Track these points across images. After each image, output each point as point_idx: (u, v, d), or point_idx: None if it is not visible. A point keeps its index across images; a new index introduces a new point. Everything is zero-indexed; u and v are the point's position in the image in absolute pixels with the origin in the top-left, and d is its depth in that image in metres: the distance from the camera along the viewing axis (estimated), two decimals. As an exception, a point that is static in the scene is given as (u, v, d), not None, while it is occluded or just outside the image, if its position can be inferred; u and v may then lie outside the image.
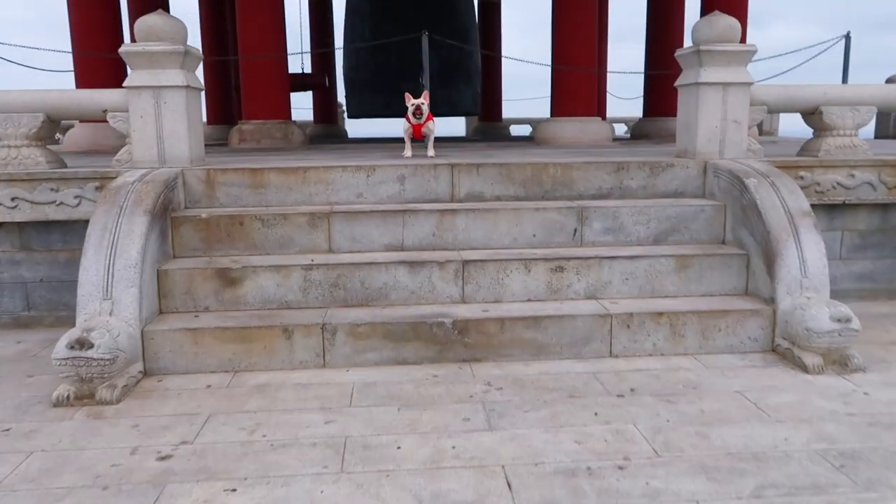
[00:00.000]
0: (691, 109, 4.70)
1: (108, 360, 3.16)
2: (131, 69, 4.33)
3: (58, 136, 11.58)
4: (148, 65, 4.28)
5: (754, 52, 4.57)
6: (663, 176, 4.58)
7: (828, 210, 4.67)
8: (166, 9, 9.55)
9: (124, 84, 4.30)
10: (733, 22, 4.56)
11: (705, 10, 8.46)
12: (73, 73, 7.69)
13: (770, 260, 3.82)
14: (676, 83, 4.91)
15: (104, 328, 3.25)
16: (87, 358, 3.12)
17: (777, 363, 3.63)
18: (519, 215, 4.21)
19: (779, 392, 3.23)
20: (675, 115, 10.37)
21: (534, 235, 4.22)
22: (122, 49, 4.28)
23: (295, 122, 8.35)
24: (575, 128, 8.00)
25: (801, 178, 4.59)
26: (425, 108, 5.21)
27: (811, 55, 8.69)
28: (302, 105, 16.17)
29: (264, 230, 4.09)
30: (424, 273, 3.89)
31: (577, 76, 7.93)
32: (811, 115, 4.84)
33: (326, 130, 15.29)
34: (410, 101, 5.20)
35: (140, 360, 3.45)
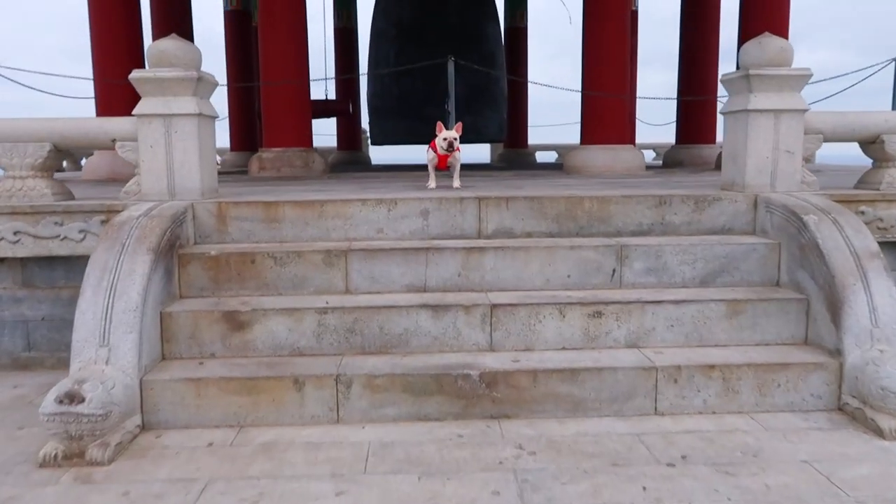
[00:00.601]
0: (739, 138, 4.34)
1: (100, 415, 2.86)
2: (142, 96, 4.10)
3: (64, 163, 11.54)
4: (159, 92, 4.05)
5: (809, 76, 4.21)
6: (709, 211, 4.21)
7: (892, 249, 4.26)
8: (189, 35, 9.46)
9: (133, 112, 4.07)
10: (785, 44, 4.21)
11: (743, 34, 8.12)
12: (94, 100, 7.57)
13: (835, 307, 3.43)
14: (722, 110, 4.56)
15: (98, 379, 2.96)
16: (77, 414, 2.83)
17: (846, 425, 3.21)
18: (552, 254, 3.87)
19: (853, 463, 2.83)
20: (708, 141, 10.04)
21: (568, 276, 3.87)
22: (132, 75, 4.06)
23: (316, 149, 8.12)
24: (606, 156, 7.65)
25: (862, 213, 4.19)
26: (457, 143, 4.93)
27: (853, 81, 8.28)
28: (326, 131, 16.03)
29: (277, 269, 3.80)
30: (449, 318, 3.55)
31: (608, 102, 7.61)
32: (871, 144, 4.45)
33: (350, 157, 15.13)
34: (442, 133, 4.92)
35: (138, 412, 3.15)
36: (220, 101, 12.97)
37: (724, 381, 3.33)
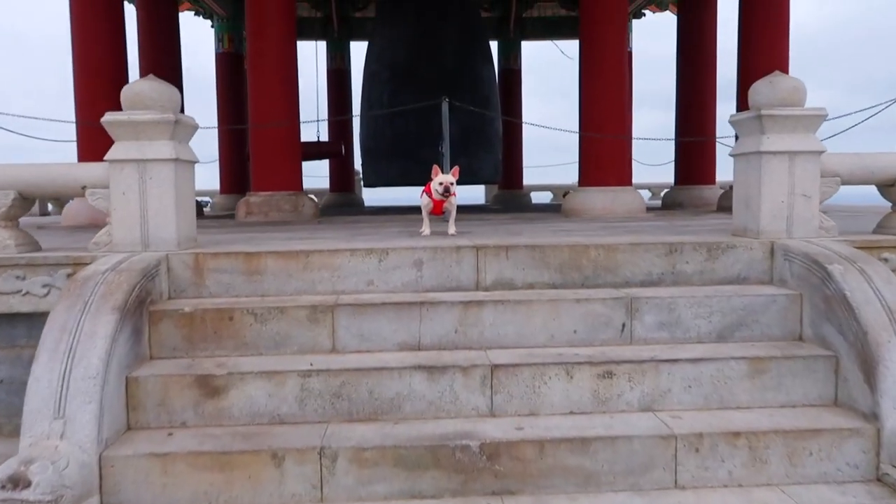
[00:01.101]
0: (752, 182, 4.09)
1: (48, 501, 2.51)
2: (115, 140, 3.84)
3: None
4: (133, 135, 3.79)
5: (824, 116, 3.98)
6: (723, 259, 3.93)
7: (919, 298, 3.97)
8: (178, 77, 9.29)
9: (105, 157, 3.80)
10: (798, 83, 3.99)
11: (742, 73, 7.98)
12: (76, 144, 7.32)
13: (868, 366, 3.12)
14: (732, 152, 4.32)
15: (49, 458, 2.62)
16: (22, 501, 2.47)
17: (887, 498, 2.88)
18: (556, 307, 3.57)
19: (905, 549, 2.48)
20: (708, 182, 9.85)
21: (574, 331, 3.56)
22: (104, 119, 3.80)
23: (307, 192, 7.87)
24: (606, 198, 7.42)
25: (885, 260, 3.92)
26: (453, 188, 4.67)
27: (856, 120, 8.12)
28: (318, 173, 15.85)
29: (257, 326, 3.48)
30: (445, 380, 3.23)
31: (607, 143, 7.41)
32: (890, 186, 4.20)
33: (343, 199, 14.92)
34: (438, 178, 4.66)
35: (96, 493, 2.80)
36: (210, 143, 12.80)
37: (751, 450, 3.00)
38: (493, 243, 3.97)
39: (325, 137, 13.39)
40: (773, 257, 3.93)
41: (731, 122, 4.32)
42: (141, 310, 3.35)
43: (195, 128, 4.11)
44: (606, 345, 3.56)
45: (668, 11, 16.12)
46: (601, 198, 7.45)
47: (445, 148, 6.58)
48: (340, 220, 7.46)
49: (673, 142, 9.91)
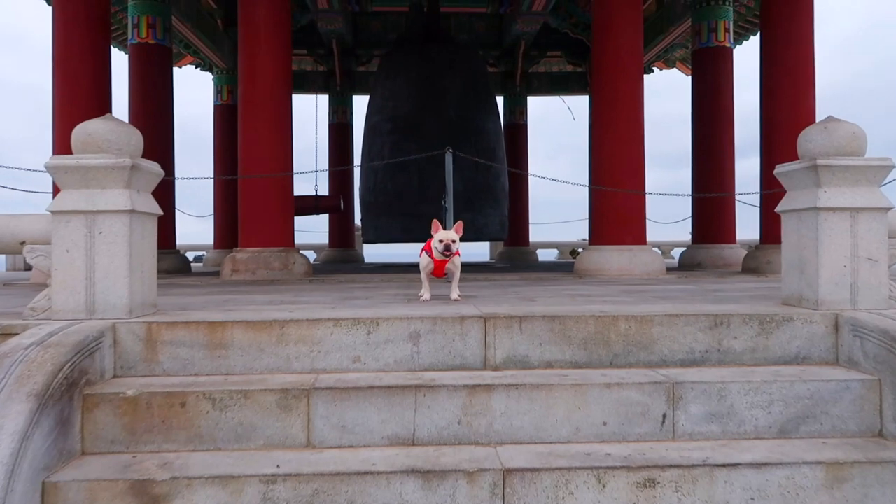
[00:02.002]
0: (807, 243, 3.49)
1: None
2: (62, 188, 3.28)
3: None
4: (82, 183, 3.23)
5: (891, 167, 3.42)
6: (778, 334, 3.30)
7: None
8: (170, 128, 8.87)
9: (48, 208, 3.23)
10: (856, 129, 3.45)
11: (766, 128, 7.50)
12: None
13: (984, 478, 2.45)
14: (781, 208, 3.74)
15: None
16: None
17: None
18: (582, 393, 2.93)
19: None
20: (728, 241, 9.27)
21: (604, 424, 2.91)
22: (48, 163, 3.25)
23: (299, 249, 7.29)
24: (623, 258, 6.83)
25: (971, 337, 3.27)
26: (455, 247, 4.08)
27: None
28: (318, 228, 15.37)
29: (216, 414, 2.84)
30: (445, 489, 2.56)
31: (624, 199, 6.87)
32: (968, 250, 3.59)
33: (342, 255, 14.38)
34: (438, 234, 4.07)
35: None
36: (207, 196, 12.38)
37: (841, 591, 2.31)
38: (503, 312, 3.35)
39: (324, 192, 12.94)
40: (837, 333, 3.29)
41: (779, 174, 3.75)
42: (71, 394, 2.72)
43: (158, 175, 3.56)
44: (644, 440, 2.90)
45: (675, 69, 15.94)
46: (617, 257, 6.85)
47: (449, 202, 6.04)
48: (334, 279, 6.87)
49: (689, 199, 9.39)
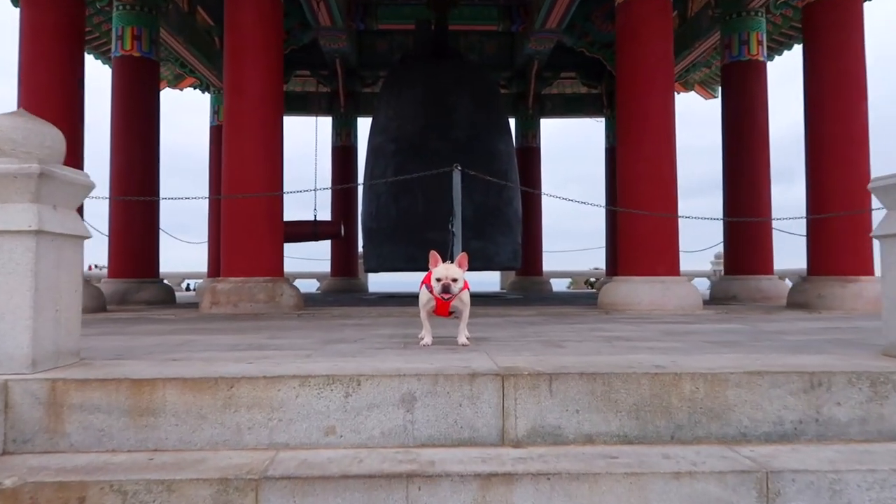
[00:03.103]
0: (924, 276, 2.67)
1: None
2: (-48, 203, 2.51)
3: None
4: (-26, 195, 2.46)
5: None
6: (894, 399, 2.46)
7: None
8: (156, 150, 8.18)
9: (-72, 228, 2.46)
10: None
11: (812, 145, 6.71)
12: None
13: None
14: (879, 232, 2.92)
15: None
16: None
17: None
18: (640, 487, 2.09)
19: None
20: (765, 272, 8.42)
21: (673, 531, 2.07)
22: (-71, 169, 2.48)
23: (288, 279, 6.51)
24: (654, 291, 6.00)
25: None
26: (457, 286, 3.22)
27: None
28: (321, 256, 14.61)
29: (126, 515, 2.02)
30: None
31: (655, 225, 6.07)
32: None
33: (344, 284, 13.62)
34: (437, 271, 3.25)
35: None
36: (202, 222, 11.72)
37: None
38: (526, 366, 2.54)
39: (327, 218, 12.21)
40: (977, 397, 2.45)
41: (875, 189, 2.95)
42: (-83, 488, 1.91)
43: (86, 188, 2.79)
44: (729, 556, 2.05)
45: (693, 93, 15.24)
46: (648, 290, 6.03)
47: (457, 226, 5.27)
48: (327, 313, 6.07)
49: (715, 225, 8.57)
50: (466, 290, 3.35)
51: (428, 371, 2.47)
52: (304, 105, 13.89)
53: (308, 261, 15.57)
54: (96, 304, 6.24)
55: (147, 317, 5.83)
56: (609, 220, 13.94)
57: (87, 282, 6.45)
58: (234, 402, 2.38)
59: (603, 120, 14.48)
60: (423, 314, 3.42)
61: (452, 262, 3.35)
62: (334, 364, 2.68)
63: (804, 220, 6.59)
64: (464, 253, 3.30)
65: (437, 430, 2.39)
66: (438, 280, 3.19)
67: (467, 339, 3.38)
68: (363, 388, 2.40)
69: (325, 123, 14.21)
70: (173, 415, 2.36)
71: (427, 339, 3.39)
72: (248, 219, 6.10)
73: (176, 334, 4.17)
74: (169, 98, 14.38)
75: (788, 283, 8.59)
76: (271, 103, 6.30)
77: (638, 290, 6.09)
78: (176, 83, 14.29)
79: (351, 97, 13.88)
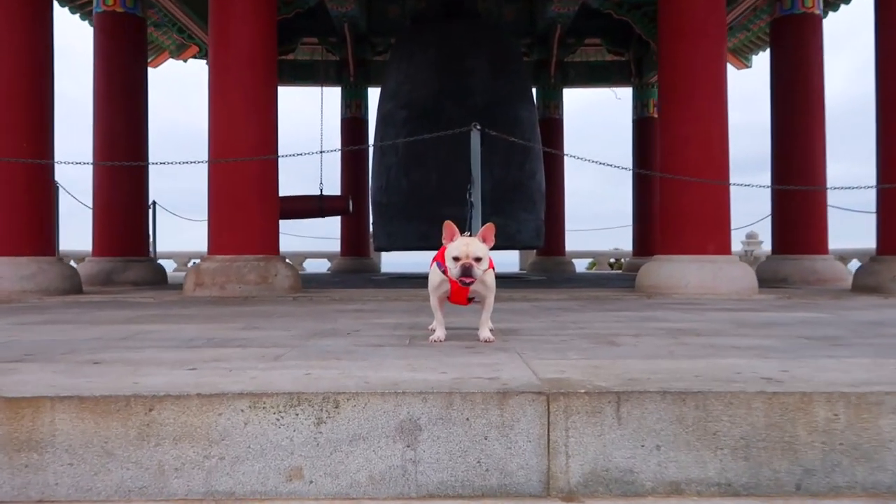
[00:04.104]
0: None
1: None
2: None
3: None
4: None
5: None
6: None
7: None
8: (141, 107, 7.45)
9: None
10: None
11: (886, 113, 5.81)
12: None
13: None
14: None
15: None
16: None
17: None
18: (773, 580, 1.31)
19: None
20: (819, 252, 7.54)
21: None
22: None
23: (284, 258, 5.76)
24: (704, 273, 5.19)
25: None
26: (479, 270, 2.43)
27: None
28: (331, 234, 13.87)
29: None
30: None
31: (705, 195, 5.26)
32: None
33: (355, 265, 12.89)
34: (453, 247, 2.46)
35: None
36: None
37: None
38: (580, 378, 1.77)
39: (333, 193, 11.42)
40: None
41: None
42: None
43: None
44: None
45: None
46: (697, 271, 5.22)
47: (476, 195, 4.49)
48: (326, 296, 5.32)
49: (753, 202, 7.70)
50: (491, 270, 2.57)
51: (438, 386, 1.71)
52: (311, 74, 13.07)
53: (321, 240, 14.86)
54: (69, 284, 5.55)
55: (122, 300, 5.12)
56: (637, 197, 13.06)
57: (60, 260, 5.76)
58: (154, 432, 1.63)
59: (630, 90, 13.53)
60: (433, 301, 2.64)
61: (472, 236, 2.56)
62: (307, 372, 1.91)
63: (864, 197, 5.73)
64: (490, 224, 2.50)
65: (451, 474, 1.63)
66: (456, 260, 2.39)
67: (491, 332, 2.61)
68: (343, 412, 1.64)
69: (334, 94, 13.39)
70: (66, 450, 1.62)
71: (439, 333, 2.62)
72: (236, 188, 5.35)
73: (134, 323, 3.43)
74: (176, 71, 13.61)
75: (848, 265, 7.72)
76: (262, 57, 5.51)
77: (684, 271, 5.27)
78: (179, 53, 13.52)
79: (361, 66, 13.04)
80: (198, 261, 5.79)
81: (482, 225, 2.60)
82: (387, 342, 2.61)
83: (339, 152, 12.79)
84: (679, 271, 5.30)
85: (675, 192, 5.42)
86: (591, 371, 1.92)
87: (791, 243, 7.48)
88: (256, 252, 5.37)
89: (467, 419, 1.64)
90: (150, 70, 14.28)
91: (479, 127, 4.71)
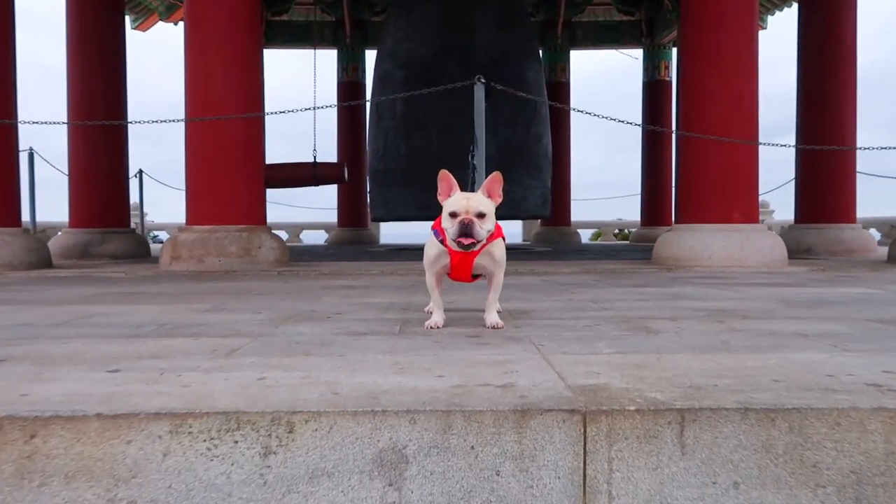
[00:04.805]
0: None
1: None
2: None
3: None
4: None
5: None
6: None
7: None
8: (119, 67, 6.92)
9: None
10: None
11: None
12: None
13: None
14: None
15: None
16: None
17: None
18: None
19: None
20: (847, 220, 7.04)
21: None
22: None
23: (270, 229, 5.29)
24: (731, 242, 4.73)
25: None
26: (484, 229, 1.96)
27: None
28: (327, 203, 13.40)
29: None
30: None
31: (731, 156, 4.77)
32: None
33: (352, 236, 12.43)
34: (452, 201, 1.99)
35: None
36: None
37: None
38: (628, 389, 1.31)
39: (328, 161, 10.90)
40: None
41: None
42: None
43: None
44: None
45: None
46: (723, 241, 4.75)
47: (479, 157, 4.00)
48: (315, 269, 4.86)
49: (770, 169, 7.19)
50: (500, 239, 2.10)
51: (433, 399, 1.25)
52: (306, 36, 12.46)
53: (319, 210, 14.38)
54: (36, 258, 5.10)
55: (90, 275, 4.67)
56: (646, 164, 12.53)
57: (26, 231, 5.30)
58: (38, 467, 1.18)
59: (641, 51, 12.89)
60: (429, 278, 2.18)
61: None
62: (261, 376, 1.46)
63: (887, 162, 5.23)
64: (497, 174, 2.02)
65: (451, 524, 1.17)
66: (454, 216, 1.93)
67: (498, 321, 2.14)
68: (300, 439, 1.19)
69: (330, 57, 12.79)
70: (-84, 491, 1.16)
71: (436, 318, 2.16)
72: (216, 151, 4.86)
73: (88, 303, 2.98)
74: (167, 36, 13.02)
75: (875, 234, 7.25)
76: (244, 5, 4.96)
77: (709, 241, 4.80)
78: (168, 15, 12.93)
79: (358, 27, 12.43)
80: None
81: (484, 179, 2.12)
82: (373, 329, 2.15)
83: (336, 118, 12.25)
84: (702, 242, 4.82)
85: (699, 154, 4.92)
86: (634, 373, 1.47)
87: (816, 211, 6.99)
88: (239, 222, 4.90)
89: (472, 448, 1.19)
90: (140, 35, 13.66)
91: (482, 80, 4.20)
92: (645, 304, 2.82)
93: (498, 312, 2.23)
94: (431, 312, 2.24)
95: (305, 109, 5.03)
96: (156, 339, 1.97)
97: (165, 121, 4.72)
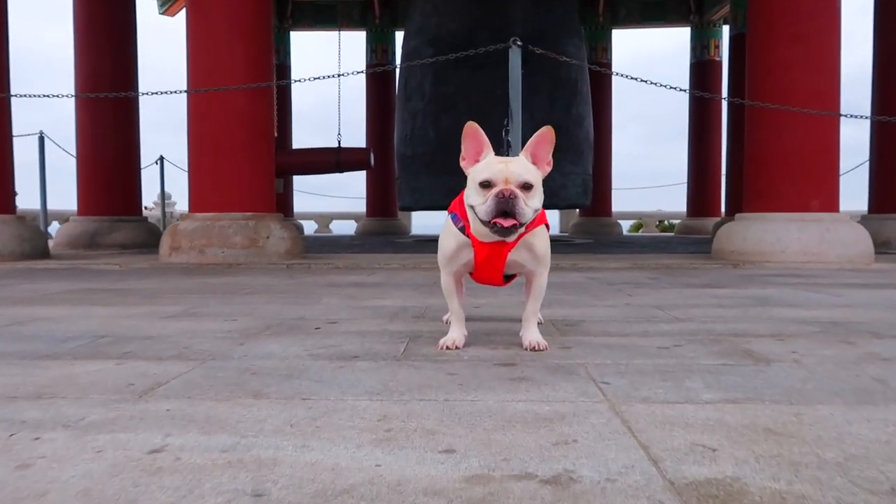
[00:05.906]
0: None
1: None
2: None
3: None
4: None
5: None
6: None
7: None
8: (129, 40, 6.47)
9: None
10: None
11: None
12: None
13: None
14: None
15: None
16: None
17: None
18: None
19: None
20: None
21: None
22: None
23: (281, 217, 4.75)
24: (808, 234, 4.05)
25: None
26: (530, 208, 1.37)
27: None
28: (356, 192, 12.90)
29: None
30: None
31: (807, 136, 4.07)
32: None
33: (380, 226, 11.90)
34: (485, 163, 1.43)
35: None
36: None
37: None
38: (781, 493, 0.70)
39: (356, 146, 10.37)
40: None
41: None
42: None
43: None
44: None
45: None
46: (798, 233, 4.07)
47: (514, 132, 3.41)
48: (329, 262, 4.32)
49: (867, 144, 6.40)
50: (543, 226, 1.52)
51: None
52: (332, 17, 11.91)
53: (352, 199, 13.89)
54: (30, 248, 4.67)
55: (82, 267, 4.21)
56: (693, 151, 11.73)
57: (21, 219, 4.87)
58: None
59: (689, 30, 12.06)
60: (445, 280, 1.60)
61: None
62: (154, 449, 0.90)
63: None
64: (547, 129, 1.45)
65: None
66: (487, 186, 1.36)
67: (540, 341, 1.55)
68: None
69: (358, 39, 12.25)
70: None
71: (454, 336, 1.58)
72: (220, 129, 4.34)
73: (41, 304, 2.48)
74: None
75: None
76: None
77: (781, 233, 4.12)
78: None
79: (387, 6, 11.84)
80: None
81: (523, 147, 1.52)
82: (368, 349, 1.58)
83: (364, 103, 11.70)
84: (774, 233, 4.15)
85: (772, 130, 4.23)
86: (773, 449, 0.87)
87: (890, 201, 6.19)
88: (244, 209, 4.38)
89: None
90: (167, 20, 13.27)
91: (519, 43, 3.61)
92: (728, 312, 2.20)
93: (539, 324, 1.65)
94: (450, 323, 1.67)
95: (333, 77, 4.45)
96: (67, 363, 1.43)
97: (166, 92, 4.22)
